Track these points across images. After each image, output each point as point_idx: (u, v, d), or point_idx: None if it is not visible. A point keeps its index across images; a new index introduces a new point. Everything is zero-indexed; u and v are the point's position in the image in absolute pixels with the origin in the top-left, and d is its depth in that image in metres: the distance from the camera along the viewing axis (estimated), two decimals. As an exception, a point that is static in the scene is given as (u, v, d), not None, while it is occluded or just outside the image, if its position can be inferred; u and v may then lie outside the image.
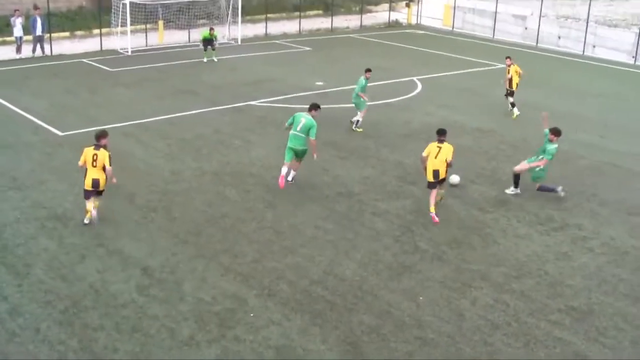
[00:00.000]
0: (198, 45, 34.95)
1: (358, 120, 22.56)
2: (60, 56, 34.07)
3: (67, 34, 39.47)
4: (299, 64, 33.62)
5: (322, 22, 47.34)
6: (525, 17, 45.77)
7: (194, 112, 24.30)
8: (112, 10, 37.04)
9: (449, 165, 15.91)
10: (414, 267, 13.85)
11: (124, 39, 35.39)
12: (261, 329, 11.55)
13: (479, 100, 27.48)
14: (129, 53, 34.93)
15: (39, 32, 33.65)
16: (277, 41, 39.77)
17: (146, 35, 37.62)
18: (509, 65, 25.34)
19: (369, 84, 22.73)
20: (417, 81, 30.30)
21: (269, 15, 44.29)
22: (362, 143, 21.45)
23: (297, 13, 46.59)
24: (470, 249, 14.79)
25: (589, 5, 42.23)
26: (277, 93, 27.05)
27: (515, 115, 25.28)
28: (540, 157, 17.43)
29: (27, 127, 22.22)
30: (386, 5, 52.77)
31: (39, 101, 25.28)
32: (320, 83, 28.69)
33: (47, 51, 34.29)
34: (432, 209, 16.05)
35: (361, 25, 47.70)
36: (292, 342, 11.25)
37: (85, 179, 15.00)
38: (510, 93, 25.35)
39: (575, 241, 15.39)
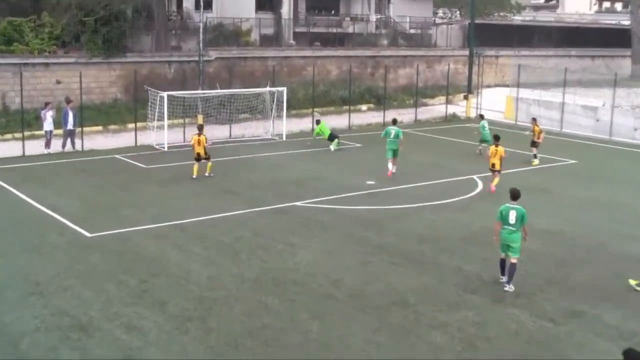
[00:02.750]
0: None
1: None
2: (92, 152, 34.86)
3: (99, 128, 40.52)
4: (348, 162, 33.80)
5: (374, 117, 47.88)
6: (596, 108, 45.74)
7: (233, 213, 24.41)
8: (149, 104, 37.97)
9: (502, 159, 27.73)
10: (477, 387, 13.41)
11: (160, 134, 36.13)
12: None
13: (546, 200, 27.14)
14: (165, 149, 35.60)
15: (70, 126, 34.58)
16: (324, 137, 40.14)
17: (184, 130, 38.31)
18: (534, 126, 35.17)
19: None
20: (477, 179, 30.16)
21: (315, 109, 44.93)
22: (417, 247, 21.22)
23: (346, 107, 47.19)
24: (542, 367, 14.31)
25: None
26: (323, 193, 27.08)
27: (534, 163, 34.19)
28: None
29: (54, 227, 22.49)
30: (442, 98, 53.33)
31: (67, 199, 25.69)
32: (371, 182, 28.71)
33: (78, 146, 35.11)
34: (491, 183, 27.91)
35: (416, 119, 48.11)
36: None
37: (193, 152, 29.51)
38: (534, 144, 34.85)
39: (662, 359, 14.81)
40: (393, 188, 28.04)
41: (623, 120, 43.19)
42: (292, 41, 59.01)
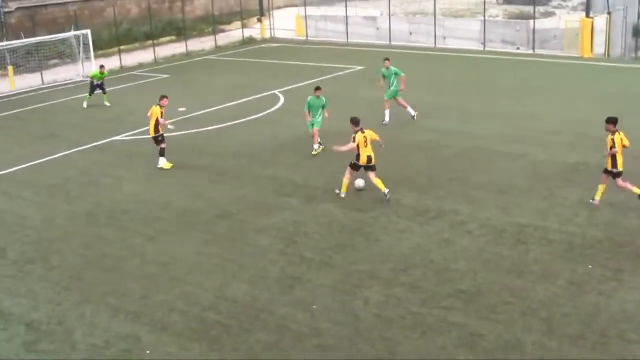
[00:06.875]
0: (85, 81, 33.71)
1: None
2: None
3: None
4: (159, 93, 33.06)
5: (177, 48, 46.92)
6: (375, 17, 47.06)
7: (57, 155, 23.57)
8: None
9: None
10: (303, 277, 13.96)
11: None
12: (158, 365, 11.36)
13: (342, 105, 27.69)
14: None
15: None
16: (133, 72, 39.14)
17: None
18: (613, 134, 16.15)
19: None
20: (278, 94, 30.55)
21: (121, 47, 43.52)
22: (234, 162, 21.44)
23: (150, 42, 45.96)
24: (355, 250, 15.06)
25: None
26: (139, 125, 26.53)
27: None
28: None
29: None
30: (238, 23, 52.81)
31: None
32: (182, 109, 28.43)
33: None
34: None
35: (216, 45, 47.61)
36: (192, 372, 11.09)
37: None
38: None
39: (454, 226, 15.96)
40: (204, 111, 27.96)
41: (399, 26, 44.79)
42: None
